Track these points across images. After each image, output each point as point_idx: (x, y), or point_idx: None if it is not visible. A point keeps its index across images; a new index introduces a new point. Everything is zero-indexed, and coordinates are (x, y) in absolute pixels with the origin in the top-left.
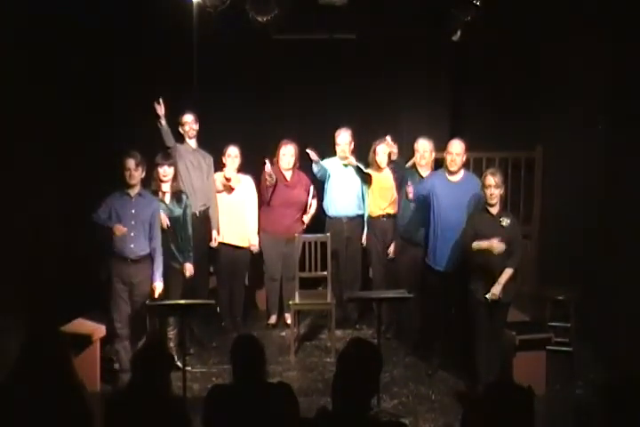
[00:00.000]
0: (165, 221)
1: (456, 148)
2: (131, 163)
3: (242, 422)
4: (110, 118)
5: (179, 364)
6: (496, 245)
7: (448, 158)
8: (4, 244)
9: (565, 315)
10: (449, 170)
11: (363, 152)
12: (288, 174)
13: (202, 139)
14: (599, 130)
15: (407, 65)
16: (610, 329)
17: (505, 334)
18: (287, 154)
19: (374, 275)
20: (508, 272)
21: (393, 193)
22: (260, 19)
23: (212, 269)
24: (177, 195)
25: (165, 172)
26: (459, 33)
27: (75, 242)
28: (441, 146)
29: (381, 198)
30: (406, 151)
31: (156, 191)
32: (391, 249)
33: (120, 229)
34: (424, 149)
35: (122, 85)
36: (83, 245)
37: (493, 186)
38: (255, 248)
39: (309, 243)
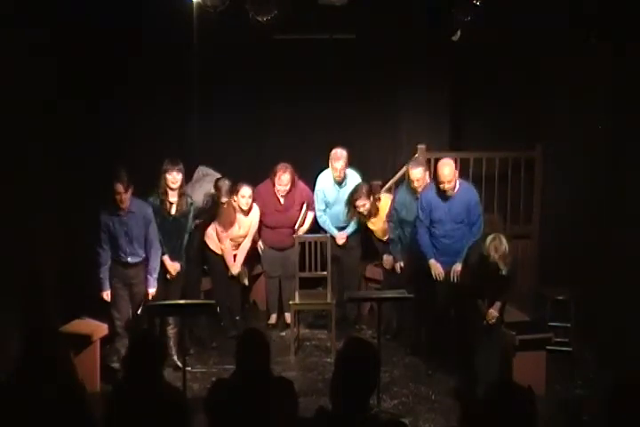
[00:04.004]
0: (175, 269)
1: (448, 174)
2: (120, 187)
3: (242, 415)
4: (110, 118)
5: (178, 364)
6: (490, 317)
7: (440, 186)
8: (4, 244)
9: (565, 315)
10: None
11: (362, 153)
12: (283, 199)
13: (201, 139)
14: (599, 130)
15: (407, 65)
16: (610, 329)
17: (505, 334)
18: (282, 184)
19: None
20: (497, 304)
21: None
22: (260, 19)
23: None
24: (183, 204)
25: (175, 178)
26: (459, 33)
27: (75, 241)
28: (441, 146)
29: (377, 225)
30: (406, 152)
31: (162, 200)
32: (388, 260)
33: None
34: (416, 177)
35: (121, 85)
36: (83, 244)
37: (496, 259)
38: (235, 270)
39: (309, 243)
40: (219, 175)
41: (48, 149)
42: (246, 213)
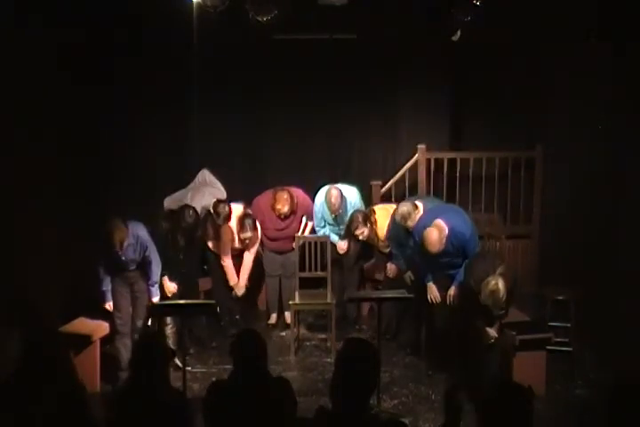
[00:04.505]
0: (171, 290)
1: (436, 248)
2: (117, 240)
3: (242, 416)
4: (110, 118)
5: (178, 364)
6: (491, 337)
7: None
8: (4, 244)
9: (565, 315)
10: None
11: (362, 153)
12: (282, 221)
13: (201, 139)
14: (599, 130)
15: (407, 65)
16: (610, 329)
17: (505, 334)
18: (282, 213)
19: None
20: (496, 325)
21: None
22: (260, 19)
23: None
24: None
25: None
26: (459, 33)
27: (74, 241)
28: (441, 146)
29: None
30: (406, 152)
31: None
32: (392, 268)
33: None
34: (408, 227)
35: (121, 85)
36: (83, 244)
37: (493, 304)
38: (240, 291)
39: (309, 243)
40: (221, 187)
41: (48, 149)
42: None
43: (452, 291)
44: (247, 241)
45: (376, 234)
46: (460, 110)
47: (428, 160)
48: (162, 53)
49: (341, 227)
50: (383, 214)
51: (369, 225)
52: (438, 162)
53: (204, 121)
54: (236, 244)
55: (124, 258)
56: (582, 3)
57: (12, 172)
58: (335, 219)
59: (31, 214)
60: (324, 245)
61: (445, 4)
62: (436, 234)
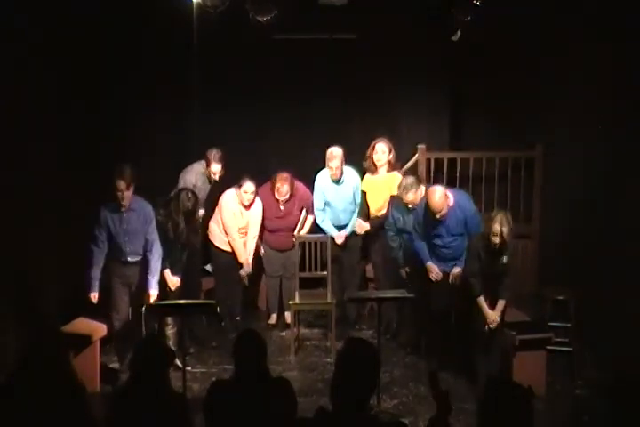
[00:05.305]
0: (174, 283)
1: (437, 203)
2: (121, 184)
3: (242, 416)
4: (110, 118)
5: (179, 364)
6: (491, 320)
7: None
8: (4, 244)
9: (565, 315)
10: None
11: (362, 153)
12: (282, 206)
13: (201, 138)
14: (599, 130)
15: (407, 65)
16: (610, 329)
17: (505, 334)
18: (282, 195)
19: (376, 273)
20: (501, 303)
21: (386, 197)
22: (260, 19)
23: (209, 269)
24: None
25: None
26: (459, 33)
27: (75, 241)
28: (441, 146)
29: (376, 200)
30: (406, 153)
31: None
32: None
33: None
34: (409, 201)
35: (121, 85)
36: (82, 244)
37: (499, 235)
38: (247, 269)
39: (309, 243)
40: None
41: (48, 149)
42: (247, 207)
43: (455, 270)
44: (251, 197)
45: (391, 167)
46: (459, 110)
47: (428, 160)
48: (162, 53)
49: (342, 208)
50: (394, 176)
51: (390, 154)
52: (438, 162)
53: (204, 121)
54: (240, 218)
55: (125, 226)
56: (582, 3)
57: (11, 171)
58: (337, 183)
59: (31, 214)
60: (324, 244)
61: (445, 4)
62: (441, 192)
